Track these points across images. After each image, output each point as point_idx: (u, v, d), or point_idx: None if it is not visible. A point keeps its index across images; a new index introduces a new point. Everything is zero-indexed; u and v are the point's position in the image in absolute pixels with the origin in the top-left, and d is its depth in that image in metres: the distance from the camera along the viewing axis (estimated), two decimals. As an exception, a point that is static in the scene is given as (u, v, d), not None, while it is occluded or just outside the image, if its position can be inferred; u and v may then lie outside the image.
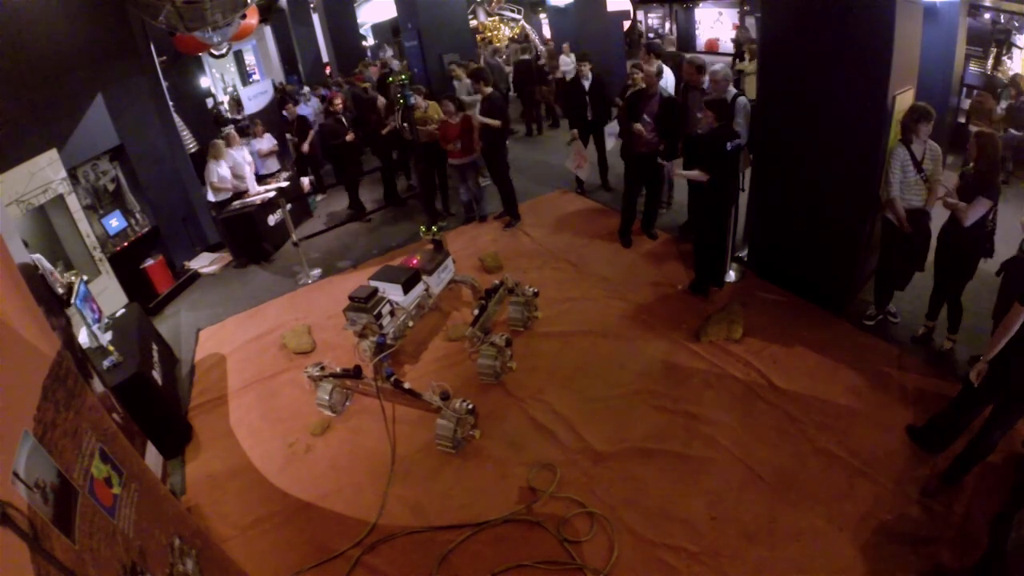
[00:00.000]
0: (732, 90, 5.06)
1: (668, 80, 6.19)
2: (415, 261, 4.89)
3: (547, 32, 16.42)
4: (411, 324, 4.54)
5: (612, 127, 6.68)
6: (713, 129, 4.55)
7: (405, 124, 6.61)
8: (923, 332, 4.24)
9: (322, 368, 4.38)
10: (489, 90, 6.67)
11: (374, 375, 4.18)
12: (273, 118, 9.62)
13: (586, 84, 7.15)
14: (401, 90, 6.03)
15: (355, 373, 4.22)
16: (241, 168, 7.59)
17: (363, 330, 4.30)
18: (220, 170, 7.23)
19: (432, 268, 4.74)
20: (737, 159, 4.77)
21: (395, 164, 8.62)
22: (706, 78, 5.31)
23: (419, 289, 4.58)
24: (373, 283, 4.44)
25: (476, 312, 4.61)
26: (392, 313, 4.34)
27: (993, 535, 2.63)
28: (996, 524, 2.67)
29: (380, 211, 8.36)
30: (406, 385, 4.08)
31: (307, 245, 7.13)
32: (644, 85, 5.67)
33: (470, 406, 3.84)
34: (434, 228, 5.29)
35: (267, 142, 8.42)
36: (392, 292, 4.40)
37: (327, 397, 4.27)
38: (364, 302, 4.21)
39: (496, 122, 6.52)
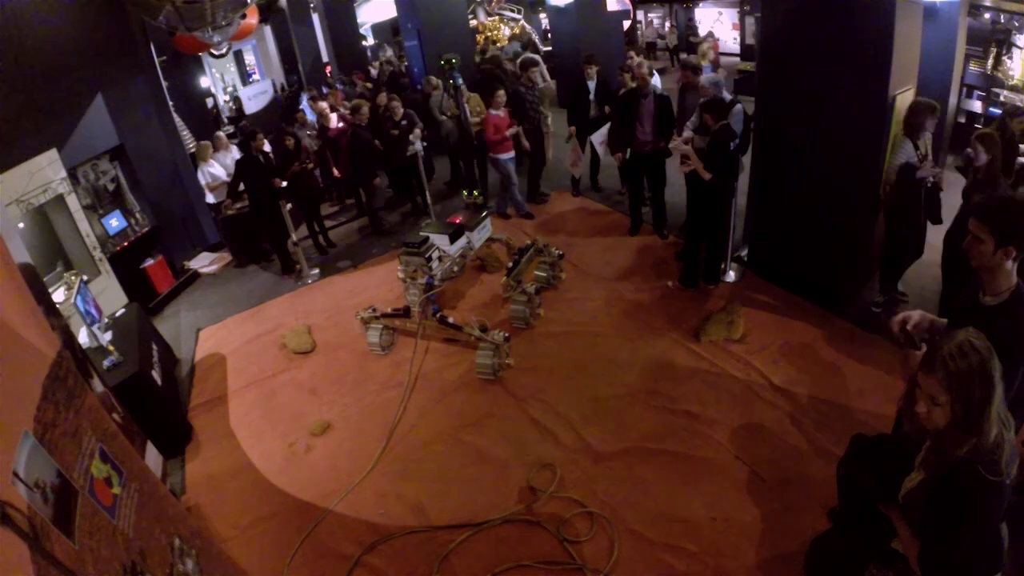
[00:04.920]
0: (727, 96, 5.09)
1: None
2: (459, 219, 5.50)
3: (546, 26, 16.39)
4: (456, 270, 5.20)
5: (598, 136, 6.69)
6: (716, 130, 4.61)
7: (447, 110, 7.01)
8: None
9: (374, 311, 4.99)
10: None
11: (420, 314, 4.85)
12: (273, 117, 9.62)
13: (591, 85, 7.15)
14: (450, 72, 6.15)
15: (404, 312, 4.91)
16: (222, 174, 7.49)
17: (414, 272, 4.79)
18: (212, 170, 7.24)
19: (474, 225, 5.44)
20: (737, 158, 4.80)
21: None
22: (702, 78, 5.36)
23: (462, 241, 5.21)
24: (424, 234, 5.00)
25: (510, 265, 5.17)
26: (440, 259, 4.93)
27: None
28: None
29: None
30: (450, 319, 4.74)
31: (307, 245, 7.15)
32: (635, 86, 5.75)
33: (506, 335, 4.43)
34: (475, 192, 6.06)
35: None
36: (440, 242, 5.00)
37: (377, 339, 4.90)
38: (417, 247, 4.82)
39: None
